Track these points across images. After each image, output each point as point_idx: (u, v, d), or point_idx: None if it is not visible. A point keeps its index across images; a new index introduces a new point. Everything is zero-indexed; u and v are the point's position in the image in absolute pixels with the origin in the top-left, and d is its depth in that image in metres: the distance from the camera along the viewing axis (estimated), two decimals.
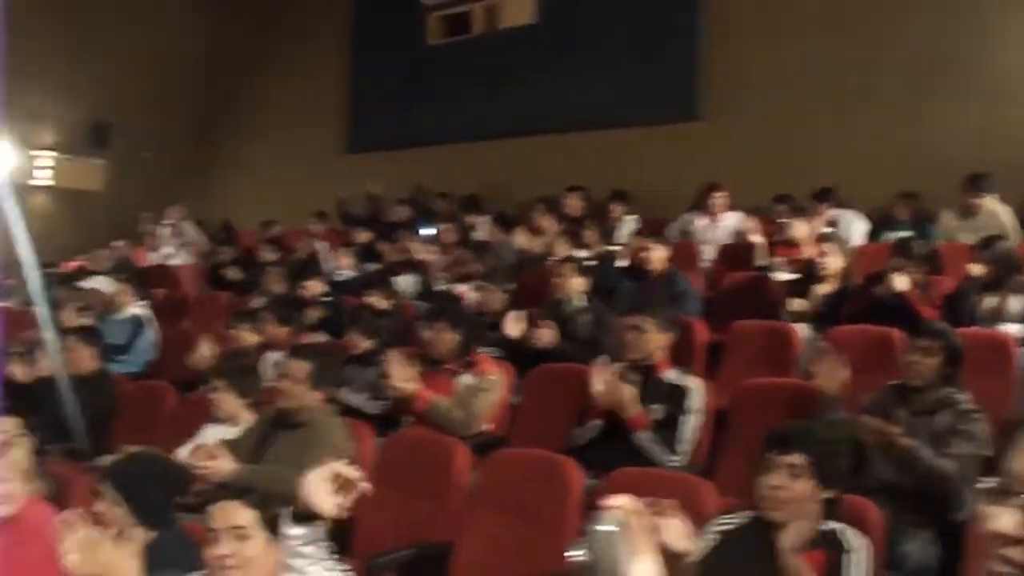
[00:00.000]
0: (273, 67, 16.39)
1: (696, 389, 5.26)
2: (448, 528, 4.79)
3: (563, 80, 12.79)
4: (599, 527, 1.98)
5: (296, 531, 2.72)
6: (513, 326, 6.89)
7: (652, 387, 5.26)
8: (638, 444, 5.04)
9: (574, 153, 12.44)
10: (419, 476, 5.08)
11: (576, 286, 7.47)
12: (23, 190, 15.29)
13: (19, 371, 7.19)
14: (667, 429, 5.10)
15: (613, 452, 4.93)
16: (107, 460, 4.11)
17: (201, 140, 17.10)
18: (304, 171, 15.65)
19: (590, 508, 4.33)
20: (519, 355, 6.69)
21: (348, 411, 5.95)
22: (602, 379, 5.19)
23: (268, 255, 11.55)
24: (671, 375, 5.37)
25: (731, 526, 3.54)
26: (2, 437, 4.33)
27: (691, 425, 5.15)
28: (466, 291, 8.69)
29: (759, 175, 10.57)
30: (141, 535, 3.64)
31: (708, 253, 9.67)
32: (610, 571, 1.93)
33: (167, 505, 3.97)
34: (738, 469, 4.75)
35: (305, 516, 2.74)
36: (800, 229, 8.42)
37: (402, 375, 5.71)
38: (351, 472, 2.83)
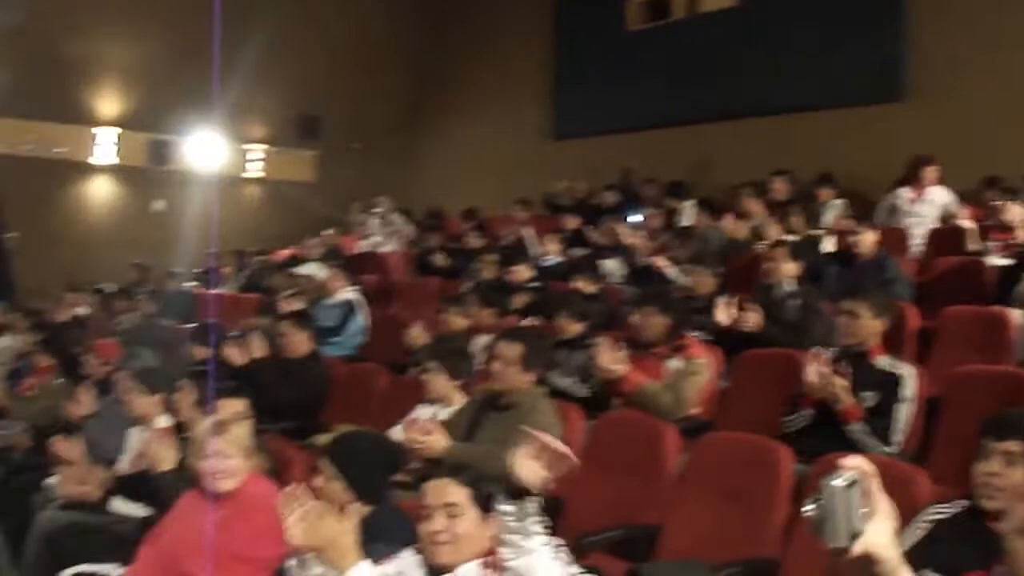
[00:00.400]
0: (478, 56, 16.59)
1: (910, 376, 5.14)
2: (656, 510, 4.82)
3: (767, 62, 12.65)
4: (833, 481, 1.96)
5: (509, 507, 2.78)
6: (723, 312, 6.83)
7: (864, 373, 5.18)
8: (851, 436, 4.98)
9: (780, 136, 12.28)
10: (628, 458, 5.11)
11: (788, 270, 7.39)
12: (236, 182, 15.89)
13: (235, 354, 7.46)
14: (879, 417, 5.01)
15: (823, 438, 4.88)
16: (324, 438, 4.24)
17: (407, 129, 17.39)
18: (511, 158, 15.81)
19: (799, 494, 4.33)
20: (727, 339, 6.65)
21: (557, 394, 6.00)
22: (816, 370, 5.12)
23: (474, 241, 11.70)
24: (884, 361, 5.26)
25: (945, 515, 3.46)
26: (224, 416, 4.54)
27: (905, 413, 5.04)
28: (665, 265, 8.69)
29: (968, 156, 10.23)
30: (358, 510, 3.77)
31: (916, 229, 9.44)
32: (842, 526, 1.90)
33: (382, 481, 4.10)
34: (951, 457, 4.68)
35: (516, 492, 2.79)
36: (1014, 212, 8.18)
37: (610, 359, 5.72)
38: (559, 446, 2.87)
